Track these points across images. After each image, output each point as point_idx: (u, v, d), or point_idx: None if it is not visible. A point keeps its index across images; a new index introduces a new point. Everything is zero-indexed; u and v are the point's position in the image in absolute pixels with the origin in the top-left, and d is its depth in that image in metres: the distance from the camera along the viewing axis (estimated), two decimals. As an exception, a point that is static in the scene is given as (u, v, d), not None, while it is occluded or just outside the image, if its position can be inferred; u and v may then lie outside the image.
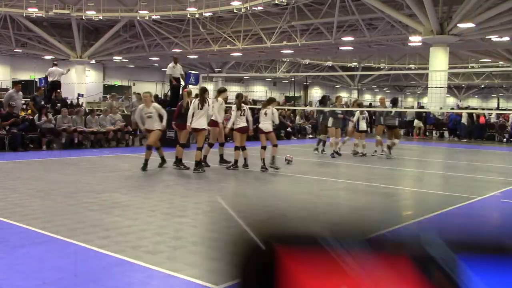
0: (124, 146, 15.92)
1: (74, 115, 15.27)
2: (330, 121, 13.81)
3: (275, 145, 10.79)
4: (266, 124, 10.78)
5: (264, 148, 10.68)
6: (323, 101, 16.29)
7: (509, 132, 24.40)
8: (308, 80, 60.66)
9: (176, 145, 10.83)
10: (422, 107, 34.33)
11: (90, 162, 11.77)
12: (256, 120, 13.31)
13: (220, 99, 11.17)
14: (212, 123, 10.89)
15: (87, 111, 18.53)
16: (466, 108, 36.01)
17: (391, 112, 14.28)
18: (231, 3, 28.33)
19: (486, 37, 28.68)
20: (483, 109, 41.80)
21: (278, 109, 22.63)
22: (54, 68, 17.25)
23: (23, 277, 4.06)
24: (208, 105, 10.43)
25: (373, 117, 18.58)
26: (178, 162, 10.65)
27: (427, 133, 27.00)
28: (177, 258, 4.63)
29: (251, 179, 9.70)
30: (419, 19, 24.10)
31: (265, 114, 10.90)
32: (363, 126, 14.68)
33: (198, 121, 10.24)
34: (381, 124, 14.47)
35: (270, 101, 11.58)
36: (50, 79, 16.94)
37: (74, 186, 8.28)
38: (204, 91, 10.69)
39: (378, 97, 75.20)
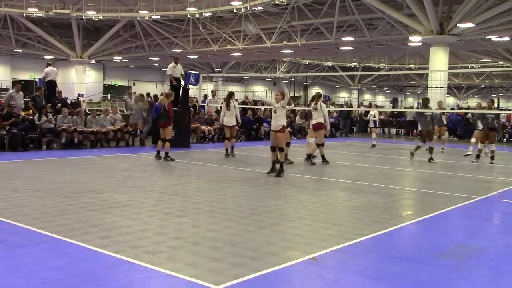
0: (124, 146, 15.90)
1: (74, 115, 15.27)
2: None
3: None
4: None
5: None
6: (425, 103, 14.22)
7: (509, 132, 24.39)
8: (308, 80, 60.68)
9: (158, 141, 12.51)
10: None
11: (90, 162, 11.77)
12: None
13: (234, 101, 13.73)
14: (318, 125, 12.11)
15: (87, 111, 18.54)
16: (467, 108, 36.02)
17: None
18: (231, 3, 28.29)
19: (486, 37, 28.66)
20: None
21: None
22: (49, 68, 17.28)
23: (23, 277, 4.06)
24: (235, 106, 13.40)
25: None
26: (166, 155, 12.13)
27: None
28: (177, 258, 4.63)
29: (252, 179, 9.68)
30: (419, 19, 24.07)
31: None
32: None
33: (228, 120, 13.30)
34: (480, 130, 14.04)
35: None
36: (47, 79, 16.96)
37: (74, 186, 8.28)
38: (230, 95, 13.56)
39: (379, 97, 75.19)
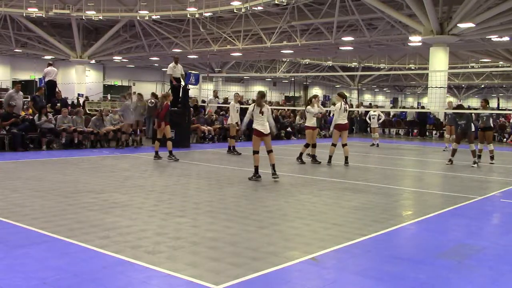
0: (124, 146, 15.88)
1: (74, 115, 15.26)
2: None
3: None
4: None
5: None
6: (460, 108, 13.86)
7: (509, 132, 24.38)
8: (308, 80, 60.67)
9: (155, 141, 12.88)
10: (423, 107, 34.33)
11: (90, 162, 11.76)
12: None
13: (232, 102, 14.34)
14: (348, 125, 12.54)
15: (87, 111, 18.51)
16: (467, 108, 36.00)
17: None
18: (231, 3, 28.32)
19: (486, 37, 28.69)
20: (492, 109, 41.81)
21: (277, 109, 22.78)
22: (50, 68, 17.28)
23: (23, 277, 4.06)
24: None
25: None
26: (170, 153, 12.34)
27: (427, 133, 27.00)
28: (177, 258, 4.63)
29: (252, 179, 9.67)
30: (419, 19, 24.10)
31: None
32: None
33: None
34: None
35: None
36: (47, 78, 16.96)
37: (74, 186, 8.28)
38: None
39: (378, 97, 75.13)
